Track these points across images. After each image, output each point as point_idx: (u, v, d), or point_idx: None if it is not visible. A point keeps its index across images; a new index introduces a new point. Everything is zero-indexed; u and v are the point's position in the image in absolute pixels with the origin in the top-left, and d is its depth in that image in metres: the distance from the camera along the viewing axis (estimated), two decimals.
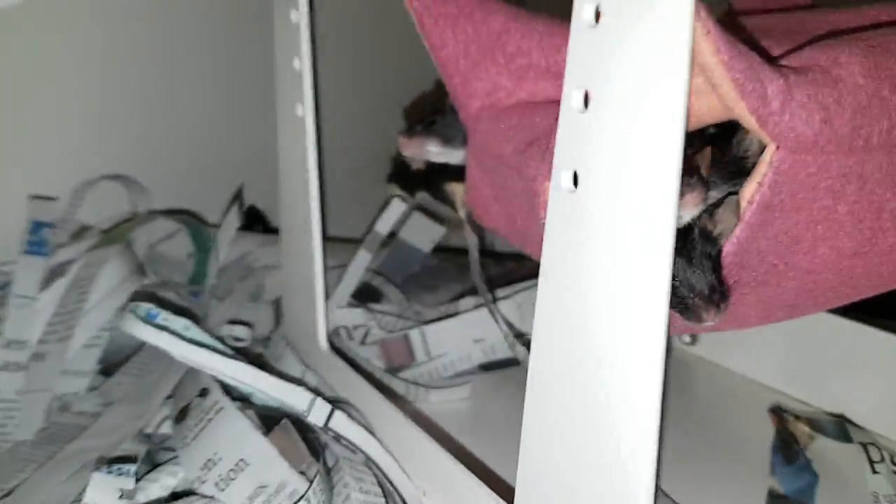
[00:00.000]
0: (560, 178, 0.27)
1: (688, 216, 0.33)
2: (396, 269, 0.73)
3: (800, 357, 0.55)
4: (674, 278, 0.33)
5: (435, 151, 0.48)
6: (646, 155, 0.24)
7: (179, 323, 0.47)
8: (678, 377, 0.61)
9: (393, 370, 0.59)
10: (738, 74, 0.27)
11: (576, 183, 0.27)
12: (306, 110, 0.48)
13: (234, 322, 0.58)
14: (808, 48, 0.35)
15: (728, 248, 0.33)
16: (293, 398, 0.43)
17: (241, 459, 0.40)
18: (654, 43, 0.23)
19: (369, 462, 0.42)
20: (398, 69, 0.84)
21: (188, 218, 0.70)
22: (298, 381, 0.47)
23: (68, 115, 0.71)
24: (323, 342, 0.51)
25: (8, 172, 0.68)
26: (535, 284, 0.62)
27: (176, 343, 0.43)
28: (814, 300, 0.40)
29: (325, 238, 0.51)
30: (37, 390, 0.52)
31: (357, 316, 0.61)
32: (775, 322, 0.42)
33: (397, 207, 0.67)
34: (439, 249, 0.76)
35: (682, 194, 0.26)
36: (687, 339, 0.68)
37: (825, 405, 0.54)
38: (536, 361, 0.31)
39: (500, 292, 0.67)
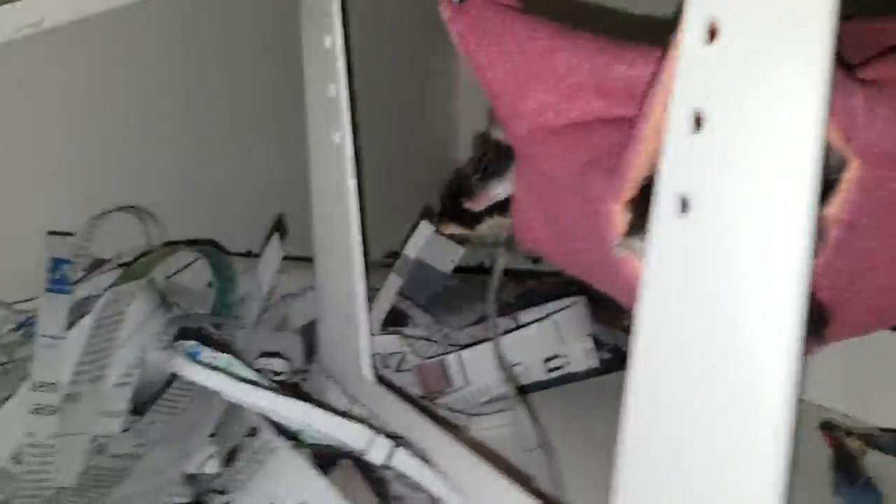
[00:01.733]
0: (666, 201, 0.26)
1: None
2: (418, 292, 0.72)
3: (847, 373, 0.54)
4: None
5: (503, 192, 0.47)
6: (777, 179, 0.23)
7: (223, 360, 0.45)
8: None
9: (429, 397, 0.57)
10: None
11: (683, 207, 0.26)
12: (344, 138, 0.47)
13: (268, 354, 0.56)
14: (880, 62, 0.34)
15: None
16: (352, 435, 0.41)
17: (303, 503, 0.38)
18: (784, 62, 0.23)
19: (434, 501, 0.40)
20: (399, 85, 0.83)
21: (208, 247, 0.69)
22: (344, 416, 0.46)
23: (78, 147, 0.69)
24: (368, 373, 0.49)
25: (17, 208, 0.66)
26: (573, 304, 0.62)
27: (228, 384, 0.42)
28: (884, 317, 0.39)
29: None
30: (73, 433, 0.50)
31: (392, 343, 0.60)
32: (841, 340, 0.41)
33: (425, 230, 0.66)
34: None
35: None
36: None
37: (874, 421, 0.53)
38: (637, 383, 0.30)
39: (530, 313, 0.66)
